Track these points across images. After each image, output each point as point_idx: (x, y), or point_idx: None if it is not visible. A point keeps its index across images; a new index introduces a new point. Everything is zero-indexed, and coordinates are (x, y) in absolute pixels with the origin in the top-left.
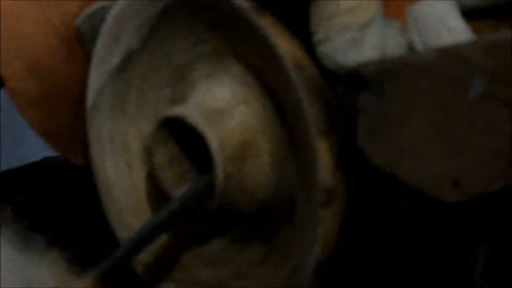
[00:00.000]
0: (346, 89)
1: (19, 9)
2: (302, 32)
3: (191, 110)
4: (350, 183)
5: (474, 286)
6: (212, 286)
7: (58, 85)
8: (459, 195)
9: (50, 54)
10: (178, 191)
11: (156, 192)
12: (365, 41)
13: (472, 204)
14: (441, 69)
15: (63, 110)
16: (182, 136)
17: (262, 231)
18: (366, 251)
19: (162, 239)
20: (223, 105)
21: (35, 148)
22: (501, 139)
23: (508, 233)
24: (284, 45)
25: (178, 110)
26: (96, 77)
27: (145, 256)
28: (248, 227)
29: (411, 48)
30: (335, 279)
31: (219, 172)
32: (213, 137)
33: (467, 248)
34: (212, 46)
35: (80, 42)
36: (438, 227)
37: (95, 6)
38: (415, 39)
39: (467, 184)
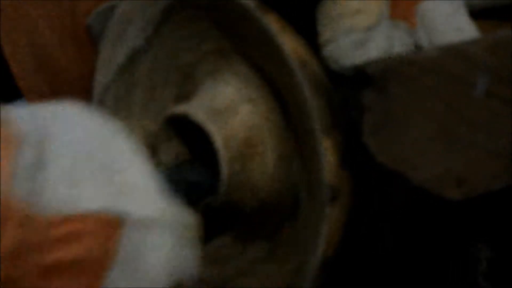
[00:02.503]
0: (351, 87)
1: (33, 9)
2: (309, 32)
3: (196, 108)
4: (354, 180)
5: (477, 286)
6: (216, 284)
7: (70, 82)
8: (462, 193)
9: (62, 52)
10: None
11: None
12: (370, 42)
13: (475, 203)
14: (445, 68)
15: None
16: (187, 134)
17: (266, 228)
18: (367, 249)
19: None
20: (228, 103)
21: None
22: (504, 138)
23: (510, 233)
24: (289, 43)
25: (183, 108)
26: (102, 75)
27: None
28: (252, 224)
29: (418, 48)
30: (338, 277)
31: (224, 169)
32: (218, 134)
33: (470, 248)
34: (216, 45)
35: (91, 40)
36: (441, 226)
37: (105, 4)
38: (422, 38)
39: (471, 182)
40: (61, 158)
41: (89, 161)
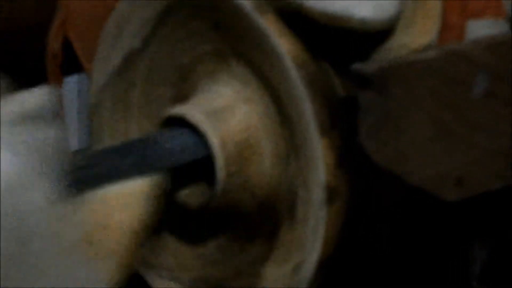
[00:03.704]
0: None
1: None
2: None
3: (192, 109)
4: (352, 181)
5: None
6: (214, 285)
7: None
8: (461, 194)
9: None
10: None
11: None
12: None
13: (471, 204)
14: (443, 68)
15: None
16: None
17: (264, 229)
18: (364, 250)
19: (163, 238)
20: (225, 104)
21: None
22: (503, 138)
23: (505, 235)
24: (285, 44)
25: (179, 109)
26: (99, 76)
27: (147, 255)
28: (249, 225)
29: None
30: (336, 279)
31: (220, 170)
32: (214, 136)
33: (464, 249)
34: (214, 46)
35: None
36: (436, 227)
37: None
38: None
39: (469, 183)
40: None
41: None
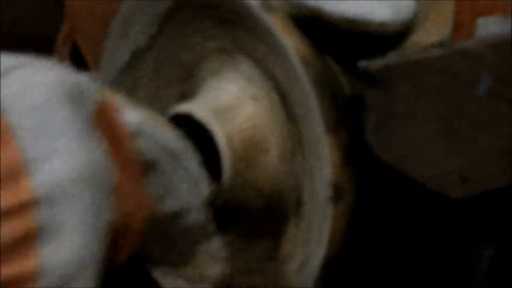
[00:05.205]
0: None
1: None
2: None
3: (199, 106)
4: (358, 179)
5: (479, 285)
6: (219, 282)
7: None
8: (466, 192)
9: None
10: None
11: None
12: None
13: (477, 201)
14: (448, 67)
15: None
16: (191, 133)
17: (269, 227)
18: (370, 248)
19: None
20: (231, 101)
21: None
22: (507, 137)
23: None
24: (292, 42)
25: (186, 107)
26: (105, 74)
27: (153, 252)
28: (255, 223)
29: None
30: (341, 277)
31: (227, 168)
32: (221, 133)
33: (472, 246)
34: (219, 43)
35: None
36: (443, 225)
37: None
38: None
39: (474, 180)
40: None
41: None
